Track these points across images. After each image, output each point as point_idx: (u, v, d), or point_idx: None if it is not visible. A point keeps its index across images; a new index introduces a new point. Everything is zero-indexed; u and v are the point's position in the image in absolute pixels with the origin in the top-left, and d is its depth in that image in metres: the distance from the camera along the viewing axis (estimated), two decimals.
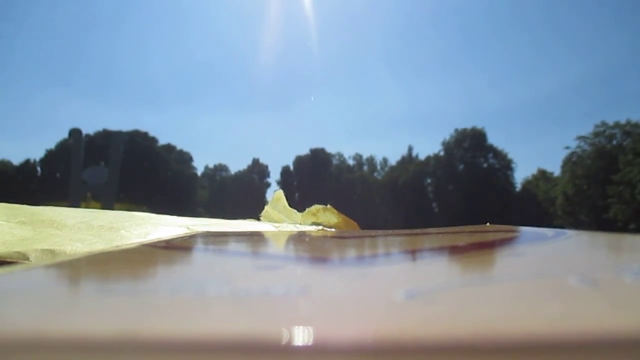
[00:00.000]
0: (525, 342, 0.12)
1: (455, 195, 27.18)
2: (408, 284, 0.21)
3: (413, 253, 0.40)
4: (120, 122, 43.20)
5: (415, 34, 44.74)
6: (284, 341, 0.12)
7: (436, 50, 44.06)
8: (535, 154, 41.37)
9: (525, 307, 0.16)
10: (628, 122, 23.87)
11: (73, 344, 0.12)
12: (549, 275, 0.23)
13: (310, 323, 0.13)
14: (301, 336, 0.12)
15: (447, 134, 30.70)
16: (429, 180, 29.27)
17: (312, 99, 41.65)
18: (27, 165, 27.51)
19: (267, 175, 33.81)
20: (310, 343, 0.12)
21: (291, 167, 32.54)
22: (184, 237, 0.60)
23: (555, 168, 34.06)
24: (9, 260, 0.41)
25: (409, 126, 44.37)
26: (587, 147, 25.14)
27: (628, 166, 21.42)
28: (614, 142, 24.21)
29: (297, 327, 0.13)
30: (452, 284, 0.22)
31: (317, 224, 1.08)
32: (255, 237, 0.68)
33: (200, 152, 49.21)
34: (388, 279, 0.24)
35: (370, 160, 34.54)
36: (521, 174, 36.21)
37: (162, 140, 29.92)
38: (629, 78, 37.53)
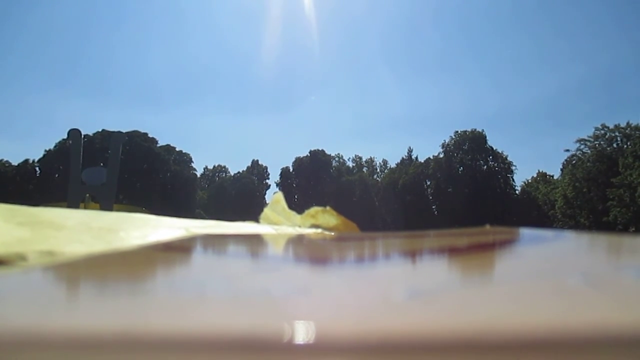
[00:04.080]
0: (526, 341, 0.12)
1: (455, 198, 27.18)
2: (408, 285, 0.21)
3: (413, 255, 0.40)
4: (120, 122, 43.31)
5: (415, 36, 44.85)
6: (286, 339, 0.12)
7: (437, 52, 44.16)
8: (535, 156, 41.56)
9: (526, 306, 0.16)
10: (628, 125, 23.91)
11: (72, 344, 0.12)
12: (548, 276, 0.24)
13: (311, 322, 0.13)
14: (303, 334, 0.12)
15: (447, 136, 30.79)
16: (428, 182, 29.28)
17: (313, 98, 41.72)
18: (25, 165, 27.50)
19: (267, 176, 33.85)
20: (312, 341, 0.12)
21: (291, 169, 32.54)
22: (184, 239, 0.60)
23: (555, 171, 34.17)
24: (7, 261, 0.41)
25: (408, 128, 44.50)
26: (587, 150, 25.19)
27: (628, 169, 21.43)
28: (614, 145, 24.24)
29: (298, 325, 0.13)
30: (453, 284, 0.22)
31: (316, 226, 1.08)
32: (255, 240, 0.68)
33: (200, 153, 49.41)
34: (388, 279, 0.24)
35: (370, 162, 34.58)
36: (521, 177, 36.30)
37: (162, 141, 29.99)
38: (629, 81, 37.71)
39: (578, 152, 25.59)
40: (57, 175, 25.36)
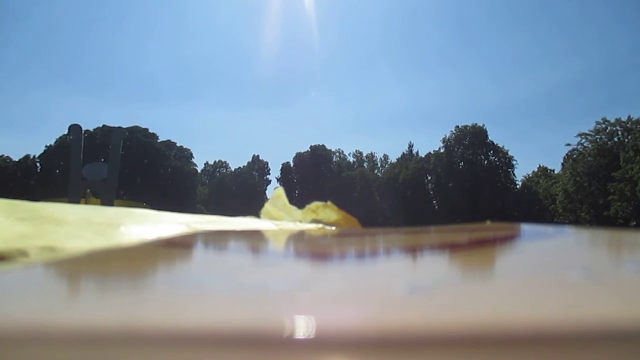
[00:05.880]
0: (527, 335, 0.12)
1: (456, 192, 27.15)
2: (409, 280, 0.21)
3: (414, 250, 0.40)
4: (120, 118, 43.26)
5: (415, 31, 44.66)
6: (287, 334, 0.12)
7: (436, 46, 43.99)
8: (536, 150, 41.51)
9: (526, 301, 0.16)
10: (629, 119, 23.81)
11: (74, 340, 0.12)
12: (549, 271, 0.24)
13: (312, 317, 0.13)
14: (303, 329, 0.12)
15: (447, 130, 30.70)
16: (429, 177, 29.25)
17: (313, 94, 41.64)
18: (26, 161, 27.49)
19: (267, 171, 33.83)
20: (312, 336, 0.12)
21: (291, 164, 32.50)
22: (185, 235, 0.60)
23: (556, 165, 34.12)
24: (8, 257, 0.41)
25: (409, 123, 44.40)
26: (588, 144, 25.11)
27: (629, 163, 21.39)
28: (615, 139, 24.16)
29: (299, 320, 0.13)
30: (454, 279, 0.22)
31: (317, 221, 1.08)
32: (256, 235, 0.68)
33: (200, 148, 49.38)
34: (389, 274, 0.24)
35: (371, 157, 34.50)
36: (522, 171, 36.34)
37: (162, 137, 29.94)
38: (630, 75, 37.56)
39: (579, 146, 25.56)
40: (57, 171, 25.35)
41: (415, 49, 45.21)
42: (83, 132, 8.20)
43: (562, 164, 27.09)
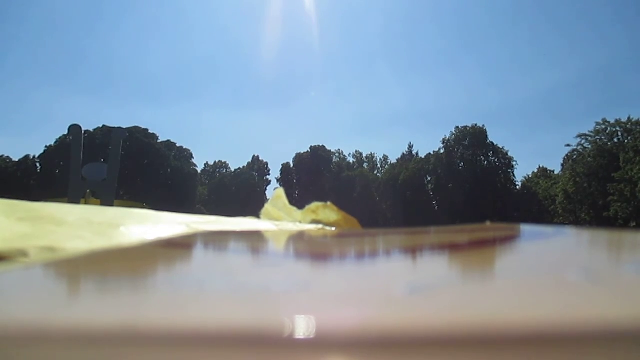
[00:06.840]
0: (526, 336, 0.12)
1: (456, 193, 27.15)
2: (409, 280, 0.21)
3: (414, 251, 0.40)
4: (120, 118, 43.30)
5: (415, 32, 44.67)
6: (287, 333, 0.12)
7: (436, 47, 44.00)
8: (535, 151, 41.45)
9: (526, 302, 0.16)
10: (629, 120, 23.79)
11: (74, 340, 0.12)
12: (549, 272, 0.23)
13: (312, 317, 0.13)
14: (304, 328, 0.12)
15: (447, 131, 30.65)
16: (429, 178, 29.23)
17: (313, 94, 41.65)
18: (26, 161, 27.49)
19: (267, 172, 33.82)
20: (312, 336, 0.12)
21: (291, 164, 32.50)
22: (185, 236, 0.60)
23: (555, 166, 34.13)
24: (8, 257, 0.41)
25: (409, 123, 44.40)
26: (588, 145, 25.09)
27: (629, 164, 21.38)
28: (615, 140, 24.15)
29: (299, 320, 0.13)
30: (453, 280, 0.22)
31: (317, 222, 1.08)
32: (256, 236, 0.68)
33: (200, 148, 49.41)
34: (389, 275, 0.24)
35: (371, 158, 34.48)
36: (522, 172, 36.30)
37: (162, 137, 29.93)
38: (629, 75, 37.56)
39: (579, 147, 25.55)
40: (57, 171, 25.34)
41: (415, 50, 45.26)
42: (83, 132, 8.19)
43: (562, 164, 27.13)
